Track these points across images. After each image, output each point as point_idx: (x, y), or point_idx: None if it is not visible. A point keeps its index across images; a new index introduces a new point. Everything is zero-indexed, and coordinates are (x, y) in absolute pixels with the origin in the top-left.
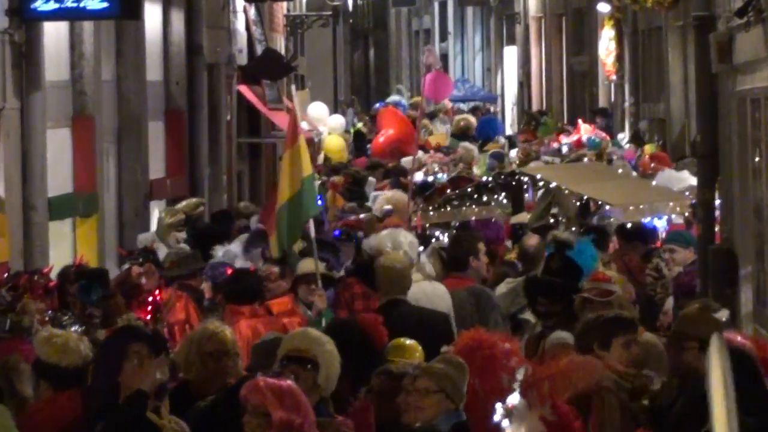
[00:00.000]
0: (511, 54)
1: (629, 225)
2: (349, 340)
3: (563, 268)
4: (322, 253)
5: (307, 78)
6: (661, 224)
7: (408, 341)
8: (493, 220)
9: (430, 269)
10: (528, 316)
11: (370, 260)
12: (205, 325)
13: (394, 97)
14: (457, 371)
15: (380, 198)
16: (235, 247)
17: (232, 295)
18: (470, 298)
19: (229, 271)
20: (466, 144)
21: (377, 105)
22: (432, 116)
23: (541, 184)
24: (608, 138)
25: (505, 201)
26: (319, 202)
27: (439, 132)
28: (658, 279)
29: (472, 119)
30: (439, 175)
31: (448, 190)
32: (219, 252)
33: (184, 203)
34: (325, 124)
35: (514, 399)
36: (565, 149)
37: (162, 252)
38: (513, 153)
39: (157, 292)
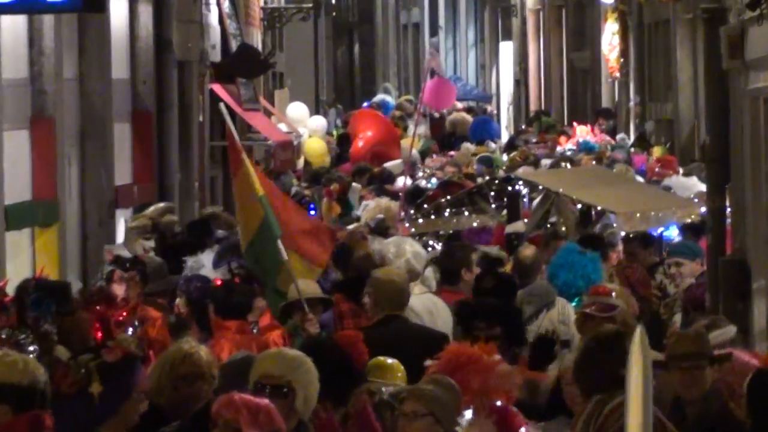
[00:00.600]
0: (507, 50)
1: (632, 234)
2: (327, 360)
3: (498, 287)
4: None
5: (286, 76)
6: (673, 233)
7: (389, 360)
8: (487, 228)
9: (432, 283)
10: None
11: (357, 275)
12: (179, 345)
13: (380, 97)
14: (447, 393)
15: (371, 206)
16: (206, 257)
17: (221, 309)
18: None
19: (219, 282)
20: (468, 145)
21: (365, 105)
22: (409, 115)
23: (539, 189)
24: (611, 141)
25: (499, 209)
26: (312, 212)
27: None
28: (662, 299)
29: (465, 116)
30: (434, 180)
31: (443, 200)
32: (189, 262)
33: (151, 208)
34: (306, 126)
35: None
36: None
37: None
38: (506, 156)
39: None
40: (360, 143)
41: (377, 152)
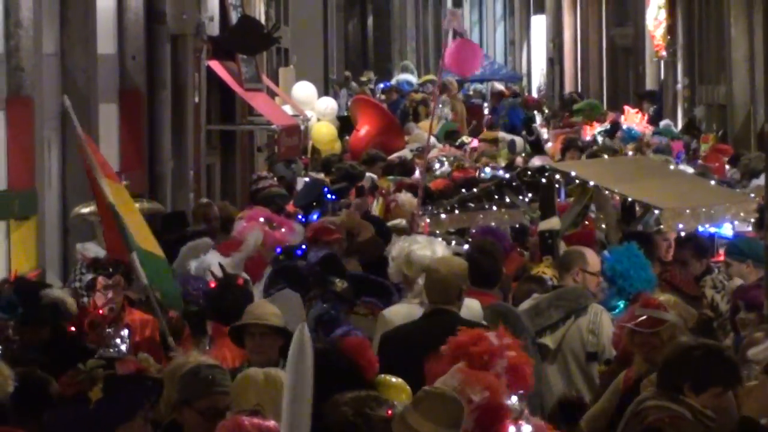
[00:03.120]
0: (539, 24)
1: (682, 234)
2: (334, 370)
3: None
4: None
5: (291, 52)
6: (726, 232)
7: (394, 379)
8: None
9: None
10: (547, 340)
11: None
12: (190, 361)
13: (401, 76)
14: (451, 407)
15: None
16: (213, 257)
17: (216, 312)
18: (494, 319)
19: (212, 284)
20: (503, 134)
21: (381, 85)
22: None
23: (576, 182)
24: (649, 128)
25: (532, 203)
26: (315, 216)
27: (443, 115)
28: (715, 318)
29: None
30: (444, 168)
31: (468, 193)
32: (192, 264)
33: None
34: (314, 108)
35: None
36: (599, 139)
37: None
38: (549, 145)
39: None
40: (361, 132)
41: (378, 144)
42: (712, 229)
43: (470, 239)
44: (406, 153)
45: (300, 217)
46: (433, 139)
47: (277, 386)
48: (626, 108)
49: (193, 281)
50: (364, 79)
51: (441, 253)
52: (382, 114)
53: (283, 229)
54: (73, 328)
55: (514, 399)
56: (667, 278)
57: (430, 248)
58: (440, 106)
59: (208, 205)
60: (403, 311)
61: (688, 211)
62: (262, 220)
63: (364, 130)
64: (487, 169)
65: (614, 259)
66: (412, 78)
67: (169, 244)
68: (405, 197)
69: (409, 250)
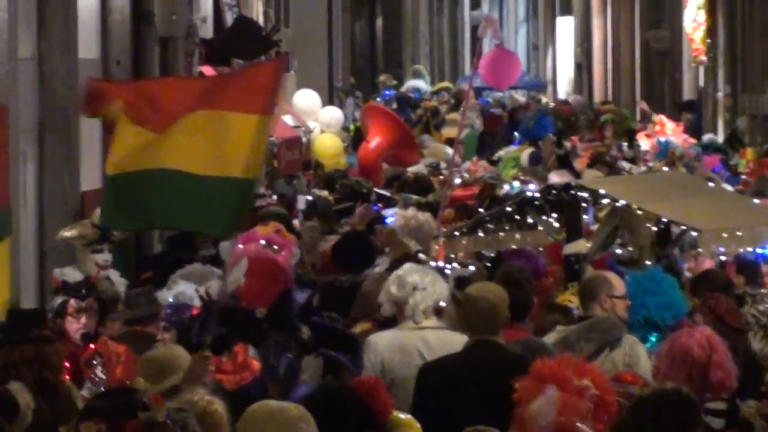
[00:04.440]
0: (565, 27)
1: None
2: (346, 413)
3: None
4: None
5: (293, 57)
6: None
7: (403, 416)
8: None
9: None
10: None
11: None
12: (191, 399)
13: (412, 83)
14: None
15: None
16: (188, 287)
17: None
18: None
19: (196, 312)
20: (512, 149)
21: (386, 93)
22: (457, 105)
23: (604, 201)
24: (690, 141)
25: (556, 224)
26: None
27: (469, 122)
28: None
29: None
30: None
31: (486, 212)
32: (167, 296)
33: (96, 212)
34: (317, 118)
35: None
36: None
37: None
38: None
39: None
40: (372, 144)
41: (389, 157)
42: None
43: (490, 264)
44: (421, 168)
45: None
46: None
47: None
48: (661, 118)
49: (188, 310)
50: (383, 78)
51: (430, 280)
52: (396, 124)
53: (284, 253)
54: (67, 364)
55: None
56: (712, 305)
57: (420, 274)
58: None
59: None
60: (389, 336)
61: (725, 234)
62: (263, 243)
63: (374, 141)
64: (516, 183)
65: (647, 285)
66: (423, 85)
67: (173, 267)
68: (424, 217)
69: (397, 274)
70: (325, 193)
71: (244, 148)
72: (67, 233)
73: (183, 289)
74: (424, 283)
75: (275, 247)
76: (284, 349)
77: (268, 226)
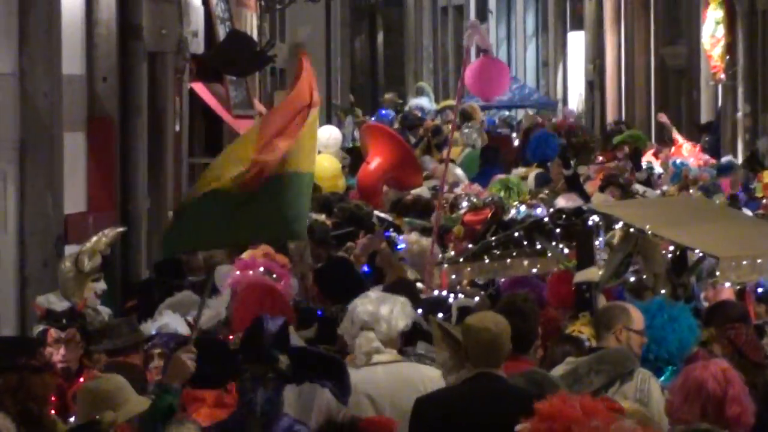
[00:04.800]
0: (576, 42)
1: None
2: None
3: None
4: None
5: (289, 73)
6: None
7: None
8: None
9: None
10: None
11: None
12: None
13: (415, 101)
14: None
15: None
16: (173, 319)
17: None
18: (531, 389)
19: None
20: (520, 171)
21: (381, 113)
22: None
23: (617, 226)
24: (710, 161)
25: (566, 250)
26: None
27: (469, 142)
28: None
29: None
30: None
31: (493, 238)
32: (151, 328)
33: (94, 239)
34: None
35: None
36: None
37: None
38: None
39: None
40: (371, 165)
41: (390, 179)
42: None
43: (492, 293)
44: (423, 191)
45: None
46: (459, 172)
47: None
48: (677, 138)
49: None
50: (388, 97)
51: (386, 313)
52: (397, 144)
53: (283, 282)
54: (54, 399)
55: None
56: (731, 336)
57: (375, 304)
58: (466, 131)
59: (190, 255)
60: (360, 376)
61: (744, 262)
62: (261, 270)
63: (375, 162)
64: (523, 208)
65: (662, 321)
66: (427, 103)
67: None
68: (427, 242)
69: (354, 305)
70: (322, 217)
71: (305, 141)
72: (87, 264)
73: (167, 321)
74: (377, 316)
75: (275, 275)
76: (261, 383)
77: (257, 249)
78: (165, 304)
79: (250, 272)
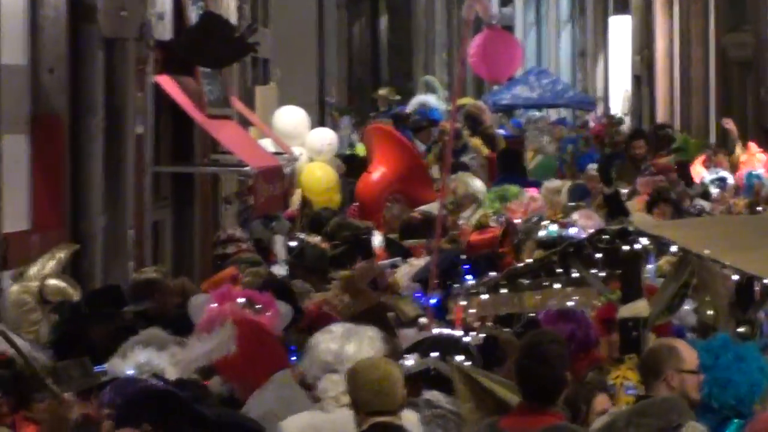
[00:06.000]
0: (621, 28)
1: None
2: None
3: None
4: None
5: (273, 65)
6: None
7: None
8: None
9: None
10: None
11: None
12: None
13: (421, 98)
14: None
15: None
16: (127, 364)
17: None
18: None
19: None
20: (554, 183)
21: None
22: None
23: (672, 249)
24: None
25: (609, 278)
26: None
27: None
28: None
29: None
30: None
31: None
32: (124, 367)
33: (40, 262)
34: (304, 143)
35: None
36: (714, 190)
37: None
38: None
39: None
40: (374, 175)
41: (396, 192)
42: None
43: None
44: (433, 208)
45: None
46: (478, 184)
47: None
48: (750, 145)
49: (131, 386)
50: (382, 93)
51: (353, 352)
52: (406, 152)
53: (268, 313)
54: None
55: None
56: None
57: (339, 342)
58: (470, 156)
59: (156, 281)
60: (303, 421)
61: None
62: (241, 300)
63: (378, 172)
64: (554, 227)
65: (726, 361)
66: (433, 101)
67: (100, 335)
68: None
69: (316, 341)
70: (317, 238)
71: None
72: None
73: (146, 359)
74: (342, 357)
75: (257, 306)
76: None
77: (221, 271)
78: (131, 342)
79: (229, 305)
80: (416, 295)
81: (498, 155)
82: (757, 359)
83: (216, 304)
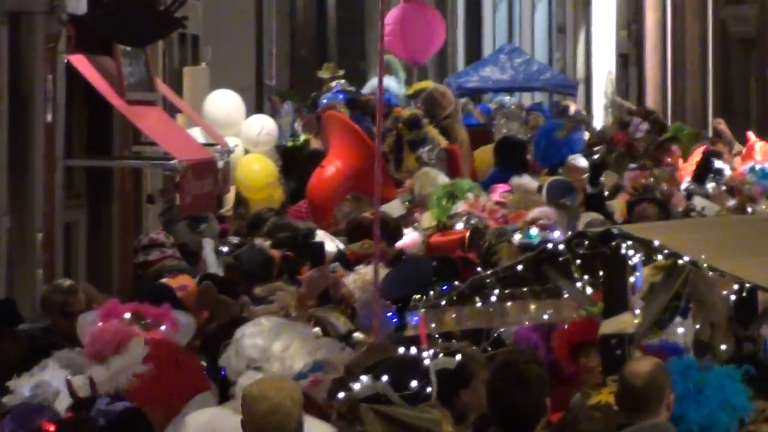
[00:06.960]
0: (605, 1)
1: None
2: None
3: None
4: None
5: (204, 42)
6: None
7: None
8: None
9: None
10: None
11: None
12: None
13: (374, 81)
14: None
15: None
16: (55, 378)
17: None
18: None
19: (51, 429)
20: (524, 180)
21: (338, 95)
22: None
23: (661, 255)
24: None
25: (589, 289)
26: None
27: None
28: None
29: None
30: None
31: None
32: (24, 389)
33: None
34: (240, 132)
35: None
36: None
37: None
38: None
39: None
40: (329, 170)
41: (352, 188)
42: None
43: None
44: (394, 207)
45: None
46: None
47: None
48: (749, 135)
49: (33, 415)
50: (325, 74)
51: (279, 350)
52: (362, 145)
53: (163, 327)
54: None
55: None
56: None
57: (267, 337)
58: (427, 148)
59: (70, 291)
60: (204, 417)
61: None
62: (127, 316)
63: (332, 167)
64: (534, 231)
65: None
66: (394, 84)
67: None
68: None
69: (242, 334)
70: (260, 240)
71: None
72: None
73: (47, 378)
74: (268, 354)
75: (147, 321)
76: None
77: (175, 278)
78: (52, 359)
79: (115, 322)
80: (387, 315)
81: (495, 146)
82: (720, 390)
83: (99, 320)
